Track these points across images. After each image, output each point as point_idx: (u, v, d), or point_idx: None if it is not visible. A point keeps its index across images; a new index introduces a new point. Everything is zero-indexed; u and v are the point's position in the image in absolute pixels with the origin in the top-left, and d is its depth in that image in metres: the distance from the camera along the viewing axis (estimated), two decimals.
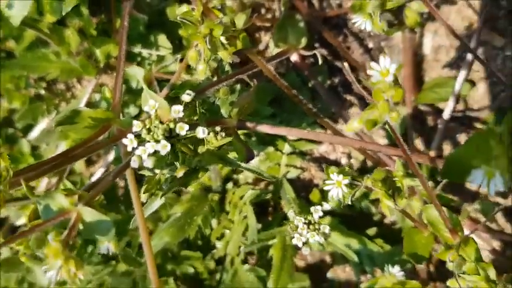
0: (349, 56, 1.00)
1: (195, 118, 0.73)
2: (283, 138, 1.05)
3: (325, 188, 0.70)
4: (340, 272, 1.09)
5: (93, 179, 1.07)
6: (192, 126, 0.64)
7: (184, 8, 0.80)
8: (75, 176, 1.10)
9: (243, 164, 0.73)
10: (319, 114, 0.92)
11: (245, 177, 1.10)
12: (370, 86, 0.57)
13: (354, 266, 1.04)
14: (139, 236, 0.98)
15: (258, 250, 1.02)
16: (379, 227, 1.06)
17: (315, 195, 1.08)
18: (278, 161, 1.05)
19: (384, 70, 0.53)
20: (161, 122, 0.62)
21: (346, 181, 0.69)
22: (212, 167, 0.96)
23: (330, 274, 1.09)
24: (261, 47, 1.11)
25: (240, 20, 0.88)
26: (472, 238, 0.79)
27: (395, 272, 0.84)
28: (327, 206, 0.81)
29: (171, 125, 0.62)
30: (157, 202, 0.77)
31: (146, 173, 0.88)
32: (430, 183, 0.87)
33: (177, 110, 0.62)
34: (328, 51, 1.05)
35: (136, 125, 0.62)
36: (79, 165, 1.10)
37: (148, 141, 0.61)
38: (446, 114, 0.96)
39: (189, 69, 0.87)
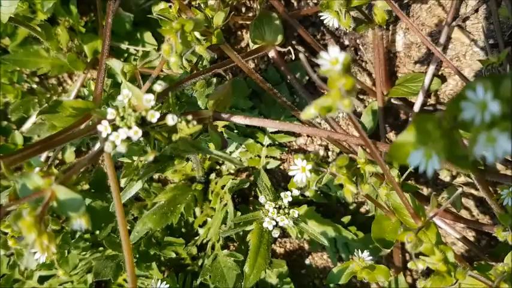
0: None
1: (170, 109, 0.78)
2: (263, 131, 1.10)
3: (290, 173, 0.74)
4: (318, 259, 1.14)
5: None
6: (166, 115, 0.69)
7: (162, 5, 0.85)
8: (65, 166, 1.15)
9: (214, 151, 0.78)
10: (293, 106, 0.97)
11: (227, 168, 1.15)
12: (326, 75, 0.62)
13: (330, 253, 1.09)
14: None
15: (237, 236, 1.07)
16: (354, 216, 1.10)
17: (292, 183, 1.13)
18: (258, 152, 1.10)
19: (333, 59, 0.58)
20: (134, 111, 0.67)
21: (310, 166, 0.73)
22: (193, 157, 1.01)
23: (308, 261, 1.14)
24: (243, 44, 1.16)
25: (219, 18, 0.93)
26: (434, 223, 0.84)
27: (365, 256, 0.89)
28: (295, 192, 0.86)
29: (144, 114, 0.67)
30: (136, 187, 0.83)
31: (125, 159, 0.93)
32: (396, 172, 0.92)
33: (149, 98, 0.67)
34: (306, 48, 1.10)
35: (111, 113, 0.67)
36: (69, 156, 1.15)
37: (121, 128, 0.66)
38: (416, 108, 1.01)
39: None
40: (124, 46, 1.09)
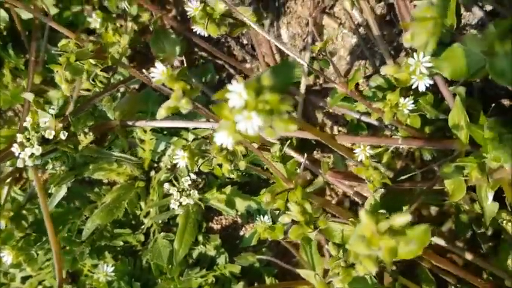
0: (222, 56, 1.22)
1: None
2: (186, 129, 1.28)
3: (174, 161, 0.93)
4: (250, 229, 1.32)
5: None
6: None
7: (63, 41, 1.04)
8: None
9: (115, 153, 0.97)
10: (197, 105, 1.15)
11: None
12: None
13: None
14: (77, 223, 1.24)
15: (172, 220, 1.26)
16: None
17: (217, 170, 1.31)
18: None
19: (162, 71, 0.76)
20: (36, 132, 0.87)
21: (186, 154, 0.92)
22: (126, 160, 1.20)
23: (241, 232, 1.32)
24: None
25: (125, 40, 1.13)
26: (301, 188, 1.00)
27: (266, 220, 1.06)
28: (193, 176, 1.04)
29: (43, 133, 0.87)
30: (61, 192, 1.02)
31: (51, 170, 1.13)
32: (278, 147, 1.09)
33: (44, 121, 0.86)
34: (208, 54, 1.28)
35: (19, 137, 0.87)
36: (30, 174, 1.36)
37: (27, 147, 0.85)
38: (302, 90, 1.18)
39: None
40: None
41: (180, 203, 1.01)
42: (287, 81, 1.16)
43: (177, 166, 0.92)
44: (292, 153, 1.15)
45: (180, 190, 1.02)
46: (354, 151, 0.96)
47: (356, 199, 1.17)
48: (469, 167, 0.83)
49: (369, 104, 0.95)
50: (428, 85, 0.83)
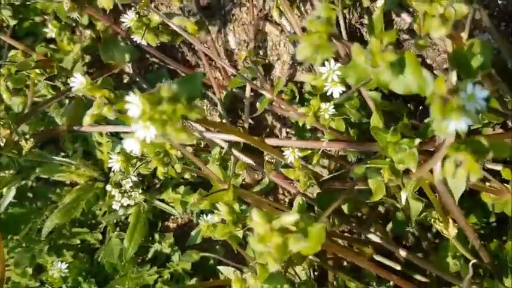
0: (171, 62, 1.27)
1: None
2: None
3: (109, 165, 0.98)
4: None
5: None
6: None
7: (12, 52, 1.10)
8: None
9: (57, 158, 1.03)
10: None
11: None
12: None
13: None
14: (38, 222, 1.30)
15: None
16: None
17: (171, 171, 1.37)
18: None
19: (82, 82, 0.81)
20: None
21: (121, 157, 0.97)
22: (81, 163, 1.26)
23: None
24: None
25: (76, 48, 1.18)
26: (233, 188, 1.05)
27: (209, 218, 1.11)
28: (133, 178, 1.09)
29: None
30: (11, 194, 1.08)
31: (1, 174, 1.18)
32: (218, 150, 1.14)
33: None
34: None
35: None
36: None
37: None
38: (247, 94, 1.22)
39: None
40: None
41: (122, 204, 1.07)
42: (194, 92, 1.20)
43: (112, 169, 0.98)
44: (239, 155, 1.20)
45: (122, 192, 1.08)
46: (284, 153, 1.01)
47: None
48: (383, 169, 0.87)
49: (294, 109, 1.00)
50: (341, 92, 0.87)
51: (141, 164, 1.00)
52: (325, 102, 0.94)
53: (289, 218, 0.69)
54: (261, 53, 1.24)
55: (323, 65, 0.86)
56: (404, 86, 0.73)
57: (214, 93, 1.31)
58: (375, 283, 1.08)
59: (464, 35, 0.79)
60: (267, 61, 1.25)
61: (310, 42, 0.69)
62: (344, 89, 0.87)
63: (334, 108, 0.94)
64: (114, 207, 1.08)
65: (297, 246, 0.71)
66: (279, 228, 0.69)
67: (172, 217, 1.38)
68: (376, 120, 0.92)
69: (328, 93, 0.88)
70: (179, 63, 1.31)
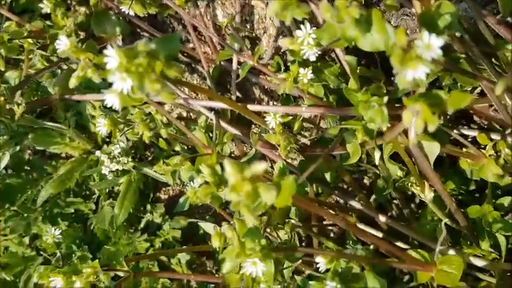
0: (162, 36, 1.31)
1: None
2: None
3: (97, 129, 1.03)
4: None
5: None
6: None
7: (7, 23, 1.14)
8: None
9: (48, 123, 1.07)
10: None
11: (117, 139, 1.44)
12: None
13: None
14: (33, 193, 1.35)
15: None
16: None
17: (162, 143, 1.41)
18: None
19: (68, 45, 0.85)
20: None
21: (108, 122, 1.02)
22: (73, 133, 1.30)
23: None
24: None
25: (69, 22, 1.22)
26: (217, 153, 1.09)
27: (195, 184, 1.15)
28: (122, 144, 1.13)
29: None
30: (5, 159, 1.13)
31: None
32: (204, 118, 1.18)
33: None
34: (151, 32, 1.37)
35: None
36: None
37: None
38: (234, 66, 1.26)
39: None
40: None
41: (111, 169, 1.11)
42: (172, 51, 1.23)
43: (100, 133, 1.02)
44: (226, 126, 1.24)
45: (111, 157, 1.12)
46: (266, 119, 1.05)
47: None
48: (356, 130, 0.91)
49: (276, 76, 1.03)
50: (317, 55, 0.90)
51: (128, 129, 1.04)
52: (304, 68, 0.98)
53: (260, 167, 0.72)
54: (248, 26, 1.27)
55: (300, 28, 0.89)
56: (371, 44, 0.76)
57: (203, 68, 1.35)
58: (351, 241, 1.11)
59: None
60: (254, 34, 1.28)
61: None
62: (319, 52, 0.90)
63: (313, 73, 0.98)
64: (103, 171, 1.12)
65: (268, 196, 0.74)
66: (251, 177, 0.73)
67: (164, 188, 1.42)
68: (352, 84, 0.96)
69: (305, 57, 0.91)
70: None
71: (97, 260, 0.95)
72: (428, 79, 0.96)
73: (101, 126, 1.01)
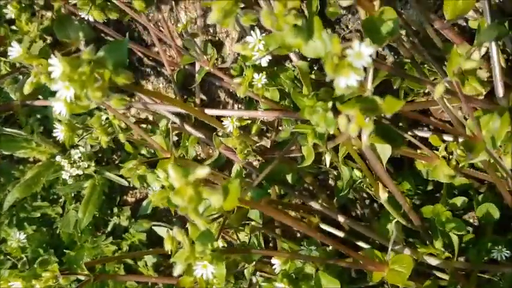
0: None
1: None
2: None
3: (54, 134, 1.03)
4: None
5: None
6: None
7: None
8: None
9: (8, 130, 1.08)
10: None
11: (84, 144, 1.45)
12: None
13: None
14: (0, 197, 1.35)
15: None
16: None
17: (127, 146, 1.42)
18: None
19: (20, 52, 0.86)
20: None
21: (64, 127, 1.03)
22: (39, 138, 1.31)
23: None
24: None
25: (33, 27, 1.23)
26: (175, 157, 1.10)
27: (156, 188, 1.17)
28: (82, 149, 1.14)
29: None
30: None
31: None
32: (165, 122, 1.19)
33: None
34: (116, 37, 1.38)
35: None
36: None
37: None
38: (197, 70, 1.27)
39: None
40: None
41: (71, 174, 1.12)
42: (120, 58, 1.25)
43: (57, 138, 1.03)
44: (190, 129, 1.25)
45: (71, 162, 1.13)
46: (223, 123, 1.06)
47: None
48: (307, 133, 0.92)
49: (232, 80, 1.05)
50: (268, 60, 0.92)
51: (87, 135, 1.05)
52: (258, 73, 0.99)
53: (202, 171, 0.74)
54: (211, 30, 1.29)
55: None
56: (313, 51, 0.77)
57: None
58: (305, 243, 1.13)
59: (376, 3, 0.84)
60: (216, 38, 1.30)
61: (218, 8, 0.74)
62: (270, 57, 0.92)
63: (268, 78, 0.99)
64: (63, 176, 1.13)
65: (214, 199, 0.75)
66: (194, 181, 0.74)
67: (130, 191, 1.44)
68: (304, 89, 0.97)
69: (257, 62, 0.92)
70: (135, 43, 1.36)
71: (56, 264, 0.96)
72: (375, 83, 0.99)
73: (58, 132, 1.02)
